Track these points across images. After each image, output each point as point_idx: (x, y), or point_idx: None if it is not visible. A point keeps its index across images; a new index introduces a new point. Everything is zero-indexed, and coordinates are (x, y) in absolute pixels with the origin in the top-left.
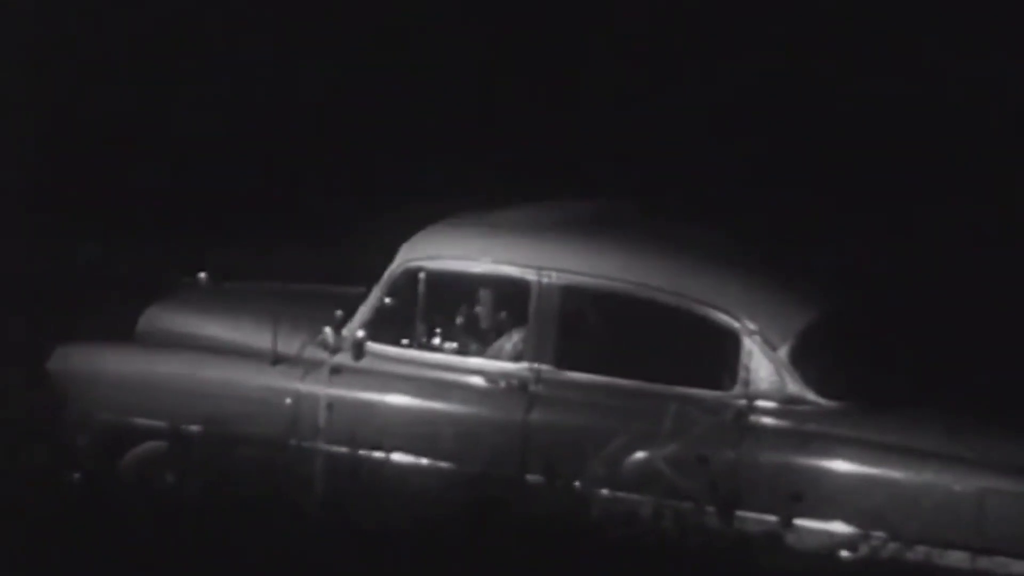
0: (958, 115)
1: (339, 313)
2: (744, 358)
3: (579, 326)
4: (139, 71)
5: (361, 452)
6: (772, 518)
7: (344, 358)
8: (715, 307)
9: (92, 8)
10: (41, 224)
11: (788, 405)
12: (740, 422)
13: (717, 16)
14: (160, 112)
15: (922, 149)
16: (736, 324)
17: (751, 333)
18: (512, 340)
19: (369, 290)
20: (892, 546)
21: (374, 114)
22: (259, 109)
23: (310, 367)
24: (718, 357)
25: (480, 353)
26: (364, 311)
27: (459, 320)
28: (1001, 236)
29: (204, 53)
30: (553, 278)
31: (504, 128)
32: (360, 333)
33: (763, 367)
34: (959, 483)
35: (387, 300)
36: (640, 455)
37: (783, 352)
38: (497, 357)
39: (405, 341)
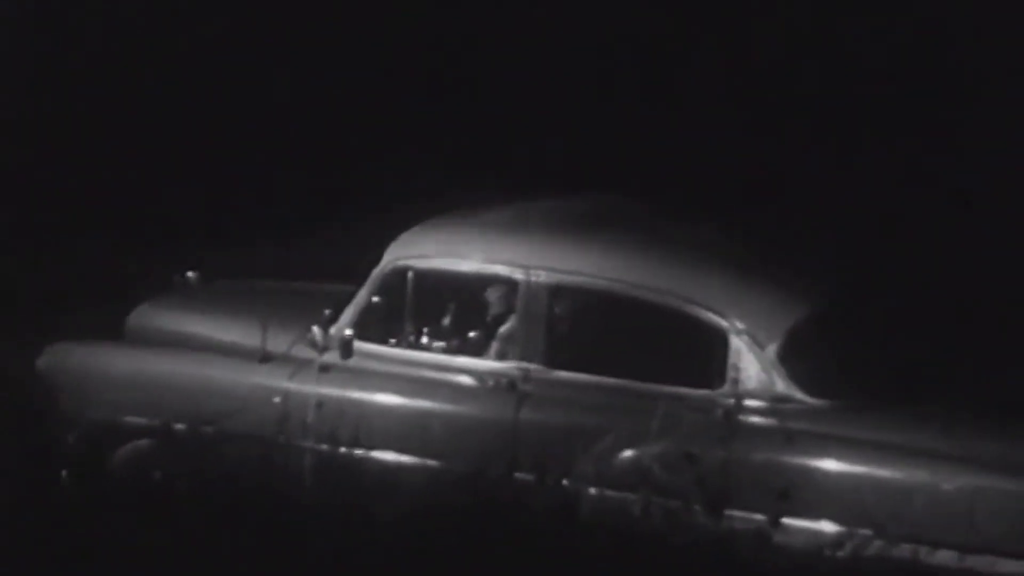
0: (955, 111)
1: (327, 312)
2: (732, 357)
3: (568, 325)
4: (133, 70)
5: (349, 450)
6: (760, 516)
7: (332, 357)
8: (703, 306)
9: (86, 8)
10: (30, 223)
11: (776, 404)
12: (728, 421)
13: (712, 13)
14: (153, 111)
15: (916, 146)
16: (724, 323)
17: (739, 332)
18: (501, 339)
19: (358, 289)
20: (880, 545)
21: (365, 113)
22: (251, 108)
23: (299, 366)
24: (707, 356)
25: (469, 352)
26: (352, 310)
27: (447, 319)
28: (993, 234)
29: (199, 53)
30: (542, 277)
31: (498, 126)
32: (348, 332)
33: (751, 366)
34: (948, 481)
35: (375, 299)
36: (629, 453)
37: (771, 351)
38: (486, 356)
39: (393, 340)
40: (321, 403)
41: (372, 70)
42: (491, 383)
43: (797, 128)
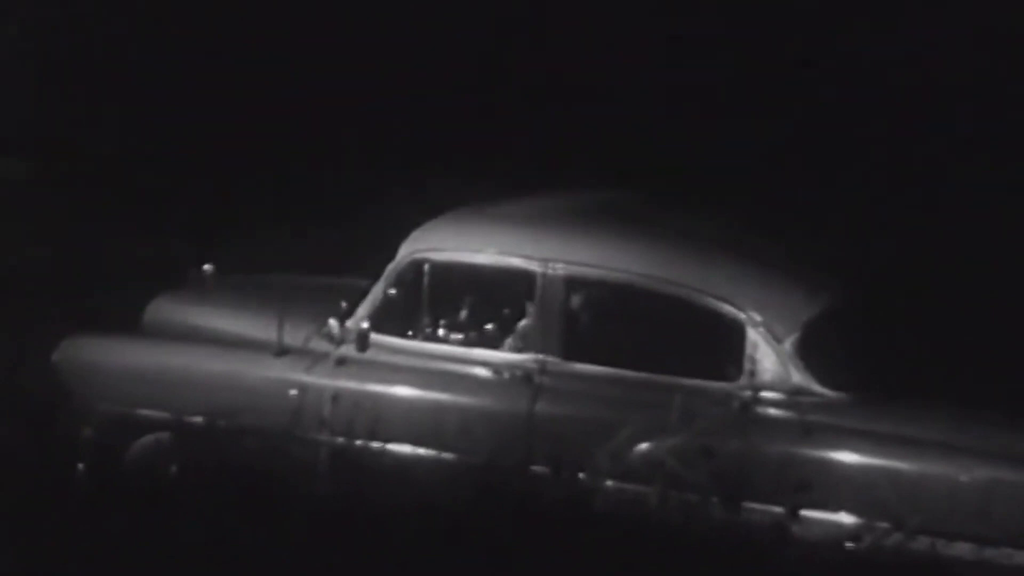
0: (967, 105)
1: (344, 305)
2: (749, 349)
3: (584, 317)
4: (149, 60)
5: (366, 443)
6: (778, 509)
7: (349, 350)
8: (720, 298)
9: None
10: (48, 215)
11: (793, 396)
12: (745, 413)
13: (718, 8)
14: (169, 103)
15: (930, 138)
16: (741, 315)
17: (756, 324)
18: (517, 331)
19: (374, 282)
20: (897, 537)
21: (379, 108)
22: (266, 101)
23: (315, 359)
24: (723, 348)
25: (485, 344)
26: (369, 303)
27: (464, 311)
28: (1007, 227)
29: (214, 46)
30: (558, 269)
31: (507, 120)
32: (365, 325)
33: (768, 358)
34: (965, 474)
35: (392, 292)
36: (645, 446)
37: (788, 344)
38: (502, 348)
39: (410, 333)
40: (337, 396)
41: (385, 64)
42: (507, 375)
43: (805, 124)
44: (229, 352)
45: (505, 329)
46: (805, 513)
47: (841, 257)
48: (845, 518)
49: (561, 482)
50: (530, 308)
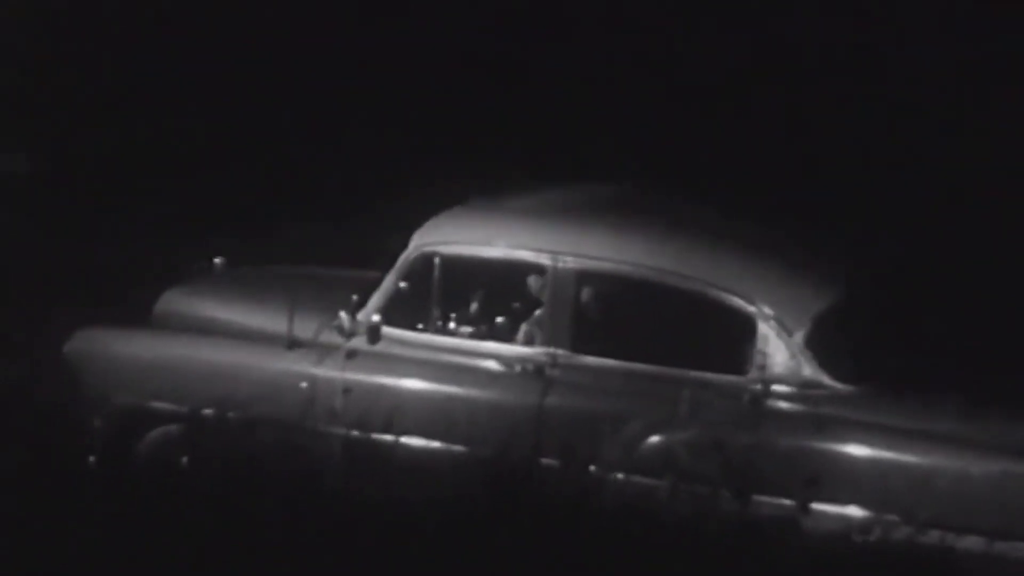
0: (976, 97)
1: (355, 298)
2: (760, 343)
3: (595, 310)
4: (151, 52)
5: (377, 436)
6: (788, 502)
7: (359, 342)
8: (731, 292)
9: None
10: (59, 210)
11: (804, 389)
12: (756, 406)
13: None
14: (175, 95)
15: (939, 131)
16: (752, 309)
17: (767, 318)
18: (528, 324)
19: (384, 275)
20: (907, 530)
21: (388, 101)
22: (274, 93)
23: (326, 351)
24: (734, 342)
25: (496, 337)
26: (379, 296)
27: (474, 304)
28: (1016, 221)
29: (221, 40)
30: (568, 262)
31: (516, 114)
32: (375, 317)
33: (779, 352)
34: (975, 467)
35: (402, 284)
36: (656, 439)
37: (799, 337)
38: (513, 341)
39: (420, 325)
40: (348, 389)
41: (394, 58)
42: (518, 368)
43: (815, 117)
44: (240, 345)
45: (516, 322)
46: (815, 506)
47: (851, 250)
48: (855, 511)
49: (571, 475)
50: (541, 301)
